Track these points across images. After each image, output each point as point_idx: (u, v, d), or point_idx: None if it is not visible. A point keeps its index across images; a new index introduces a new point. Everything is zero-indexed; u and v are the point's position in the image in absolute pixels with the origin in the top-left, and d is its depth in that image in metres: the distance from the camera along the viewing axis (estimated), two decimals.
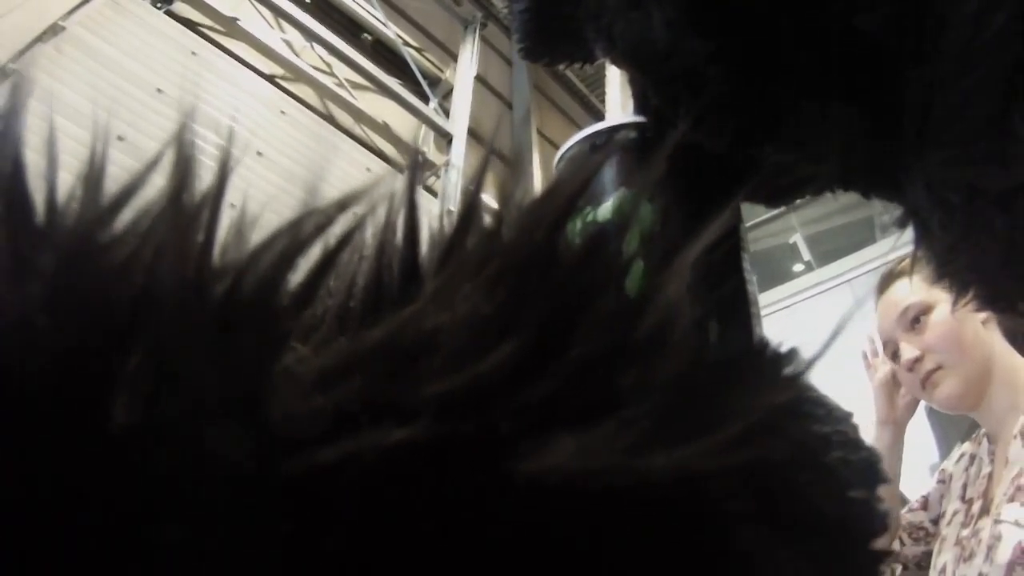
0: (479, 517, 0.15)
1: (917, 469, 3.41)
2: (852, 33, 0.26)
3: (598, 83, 5.44)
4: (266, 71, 3.64)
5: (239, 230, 0.20)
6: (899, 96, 0.27)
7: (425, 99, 4.58)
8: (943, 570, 1.07)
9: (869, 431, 1.35)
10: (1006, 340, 1.08)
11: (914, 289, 1.13)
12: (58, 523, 0.13)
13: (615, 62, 0.33)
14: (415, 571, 0.14)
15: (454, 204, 4.09)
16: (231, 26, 3.53)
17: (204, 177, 0.21)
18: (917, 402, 1.29)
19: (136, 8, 3.04)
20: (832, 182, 0.33)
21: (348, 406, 0.15)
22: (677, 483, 0.15)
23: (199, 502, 0.14)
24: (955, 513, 1.13)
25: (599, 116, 5.26)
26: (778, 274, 5.89)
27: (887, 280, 1.22)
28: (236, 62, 3.41)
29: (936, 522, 1.21)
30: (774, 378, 0.21)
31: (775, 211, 5.16)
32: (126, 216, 0.20)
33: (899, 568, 1.27)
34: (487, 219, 0.22)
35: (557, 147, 0.40)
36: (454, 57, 5.03)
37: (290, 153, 3.35)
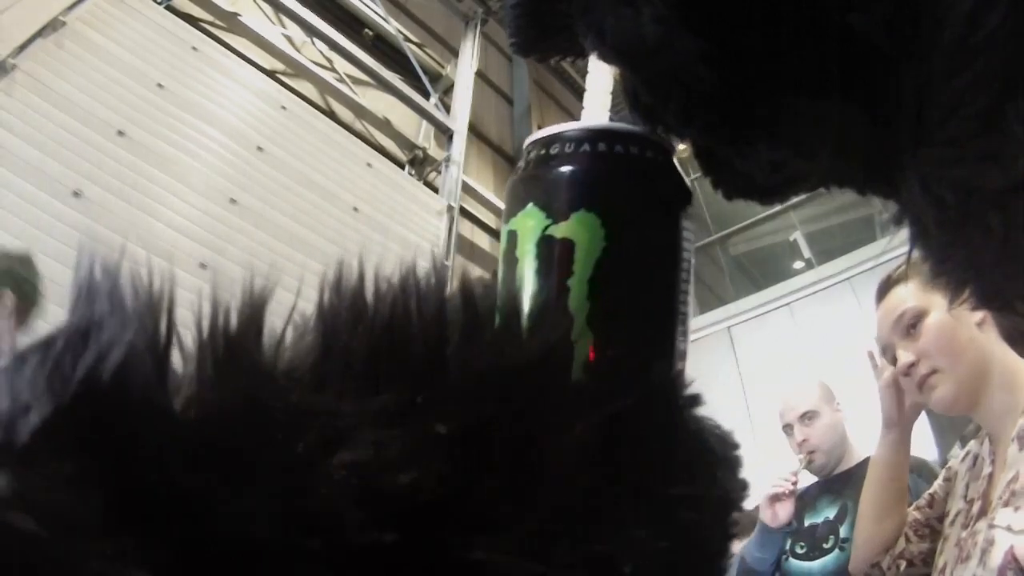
0: None
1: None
2: (846, 31, 0.26)
3: None
4: (267, 66, 3.64)
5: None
6: (893, 94, 0.27)
7: (426, 95, 4.58)
8: (943, 570, 1.07)
9: (875, 432, 1.35)
10: (1004, 342, 1.08)
11: (910, 295, 1.14)
12: None
13: (605, 59, 0.33)
14: None
15: (454, 200, 4.09)
16: (232, 21, 3.53)
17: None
18: (923, 404, 1.29)
19: (137, 3, 3.04)
20: (826, 179, 0.33)
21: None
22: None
23: None
24: (958, 513, 1.13)
25: None
26: (778, 271, 5.90)
27: (886, 286, 1.22)
28: (237, 57, 3.41)
29: (941, 519, 1.22)
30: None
31: (775, 208, 5.17)
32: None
33: (904, 564, 1.27)
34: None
35: None
36: (455, 53, 5.03)
37: (290, 148, 3.35)
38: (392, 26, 4.57)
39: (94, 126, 2.64)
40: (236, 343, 0.20)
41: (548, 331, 0.24)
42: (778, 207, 4.68)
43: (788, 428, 2.14)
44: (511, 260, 0.33)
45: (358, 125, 4.08)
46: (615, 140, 0.33)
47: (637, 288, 0.32)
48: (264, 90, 3.42)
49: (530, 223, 0.32)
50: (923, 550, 1.26)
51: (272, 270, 0.23)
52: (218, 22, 3.53)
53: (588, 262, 0.31)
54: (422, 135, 4.46)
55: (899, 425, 1.31)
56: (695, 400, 0.28)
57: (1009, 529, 0.90)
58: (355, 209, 3.48)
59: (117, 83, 2.79)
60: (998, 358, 1.10)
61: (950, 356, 1.11)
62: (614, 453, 0.22)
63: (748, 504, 0.33)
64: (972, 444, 1.23)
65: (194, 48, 3.18)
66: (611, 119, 0.40)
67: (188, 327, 0.21)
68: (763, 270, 6.27)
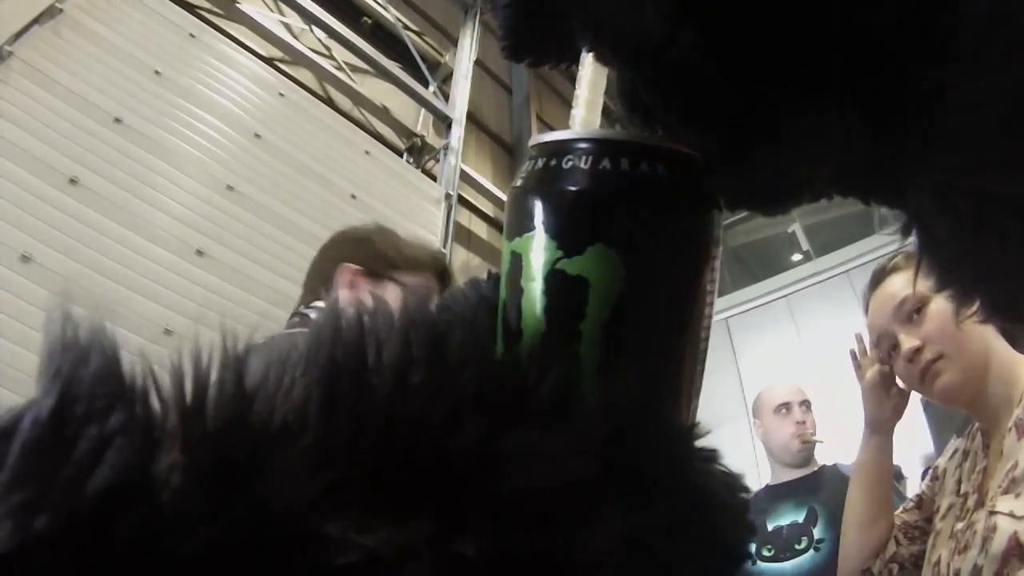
0: None
1: (912, 461, 3.42)
2: (854, 30, 0.24)
3: None
4: (264, 54, 3.62)
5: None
6: (904, 97, 0.25)
7: (424, 83, 4.57)
8: (937, 563, 1.07)
9: (857, 433, 1.35)
10: (1003, 338, 1.08)
11: (909, 283, 1.13)
12: None
13: (602, 57, 0.31)
14: None
15: (452, 188, 4.08)
16: (230, 9, 3.51)
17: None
18: (906, 404, 1.29)
19: None
20: (830, 187, 0.31)
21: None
22: None
23: None
24: (950, 507, 1.13)
25: None
26: (776, 263, 5.90)
27: (879, 276, 1.21)
28: (234, 45, 3.38)
29: (931, 520, 1.22)
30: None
31: None
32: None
33: (896, 567, 1.27)
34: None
35: None
36: (454, 41, 5.01)
37: (289, 136, 3.34)
38: (391, 14, 4.55)
39: (91, 113, 2.62)
40: (227, 459, 0.18)
41: (559, 401, 0.23)
42: None
43: (786, 405, 2.16)
44: (516, 286, 0.29)
45: (356, 113, 4.06)
46: (639, 157, 0.28)
47: (657, 334, 0.28)
48: (262, 78, 3.40)
49: (538, 250, 0.28)
50: (914, 552, 1.26)
51: (251, 327, 0.21)
52: (216, 9, 3.50)
53: (604, 305, 0.27)
54: (420, 123, 4.44)
55: (883, 427, 1.31)
56: (710, 455, 0.27)
57: (1012, 515, 0.90)
58: (353, 197, 3.47)
59: (114, 70, 2.77)
60: (997, 350, 1.10)
61: (956, 343, 1.10)
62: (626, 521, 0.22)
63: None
64: (959, 441, 1.24)
65: (192, 35, 3.16)
66: (615, 128, 0.35)
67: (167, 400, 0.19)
68: (761, 262, 6.27)
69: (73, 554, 0.15)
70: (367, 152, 3.74)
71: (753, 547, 1.91)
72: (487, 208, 4.57)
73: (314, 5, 3.87)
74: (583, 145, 0.29)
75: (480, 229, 4.50)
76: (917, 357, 1.13)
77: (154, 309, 2.46)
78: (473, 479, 0.20)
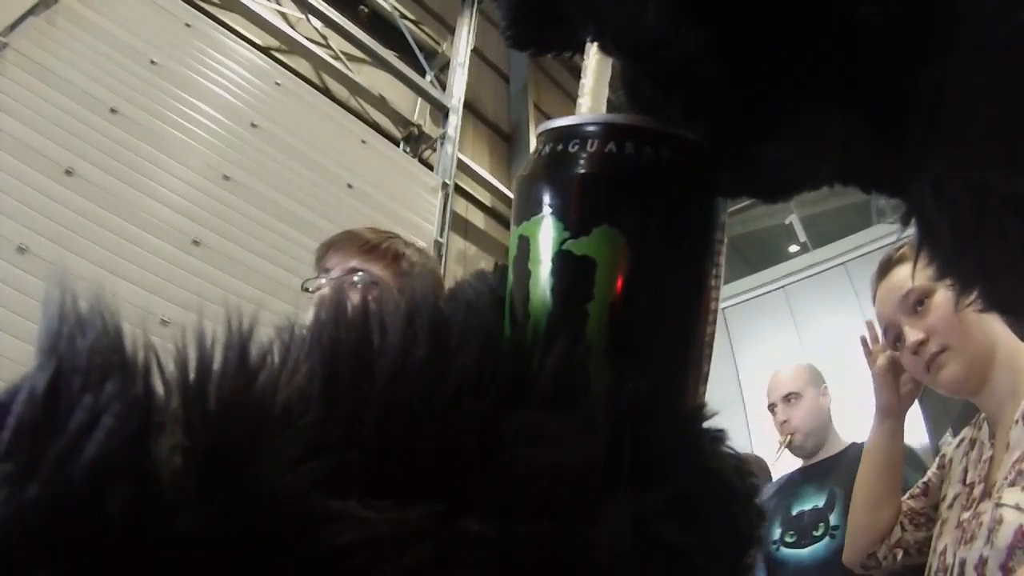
0: None
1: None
2: (856, 25, 0.24)
3: None
4: (261, 43, 3.60)
5: None
6: (906, 93, 0.25)
7: (422, 72, 4.55)
8: (943, 552, 1.08)
9: (869, 419, 1.35)
10: (1007, 326, 1.09)
11: (915, 273, 1.12)
12: None
13: (604, 50, 0.31)
14: None
15: (449, 177, 4.08)
16: None
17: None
18: (918, 390, 1.29)
19: None
20: (831, 178, 0.31)
21: None
22: None
23: None
24: (956, 496, 1.13)
25: None
26: (773, 255, 5.90)
27: (886, 266, 1.21)
28: (231, 34, 3.37)
29: (937, 507, 1.22)
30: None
31: None
32: None
33: (900, 553, 1.28)
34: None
35: None
36: (451, 30, 4.99)
37: (285, 125, 3.33)
38: (388, 3, 4.53)
39: (87, 104, 2.61)
40: (230, 442, 0.18)
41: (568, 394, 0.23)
42: None
43: (772, 407, 2.15)
44: (523, 270, 0.29)
45: (353, 102, 4.05)
46: (644, 141, 0.29)
47: (665, 315, 0.29)
48: (258, 67, 3.39)
49: (546, 233, 0.29)
50: (919, 539, 1.26)
51: (252, 310, 0.21)
52: None
53: (611, 285, 0.27)
54: (417, 112, 4.43)
55: (894, 412, 1.31)
56: (718, 436, 0.27)
57: (1018, 508, 0.90)
58: (349, 186, 3.47)
59: (110, 60, 2.76)
60: (1002, 339, 1.10)
61: (960, 334, 1.10)
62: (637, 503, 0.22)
63: None
64: (967, 430, 1.24)
65: (187, 25, 3.15)
66: (620, 111, 0.34)
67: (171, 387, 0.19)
68: (758, 253, 6.26)
69: (64, 525, 0.15)
70: (364, 141, 3.73)
71: (778, 533, 1.92)
72: (484, 197, 4.56)
73: None
74: (589, 129, 0.30)
75: (477, 218, 4.49)
76: (922, 349, 1.13)
77: (150, 299, 2.46)
78: (475, 460, 0.20)
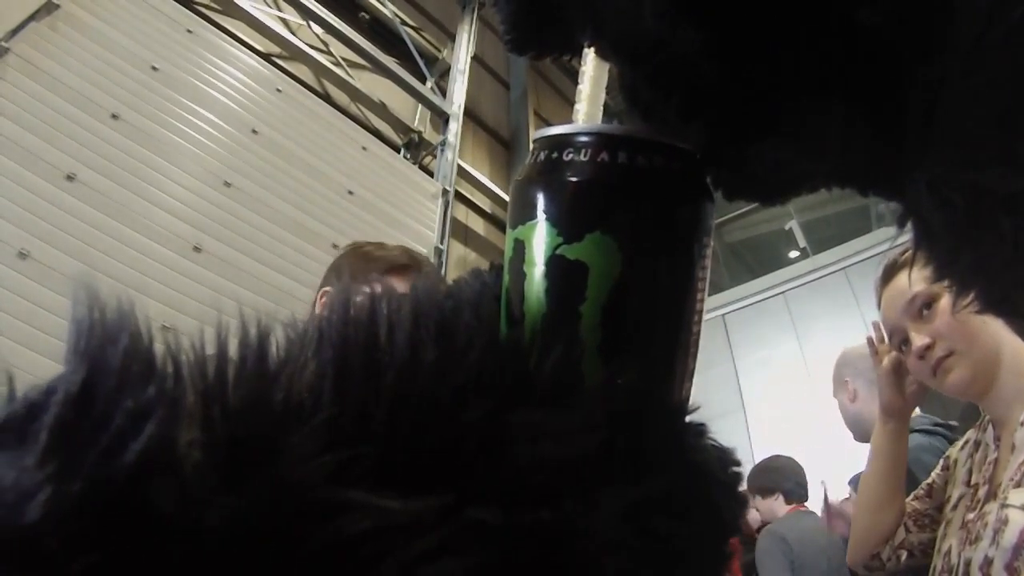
0: None
1: None
2: (853, 26, 0.24)
3: None
4: (262, 49, 3.62)
5: None
6: (902, 94, 0.25)
7: (422, 78, 4.56)
8: (948, 553, 1.07)
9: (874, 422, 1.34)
10: (1011, 329, 1.08)
11: (919, 278, 1.12)
12: None
13: (602, 54, 0.32)
14: None
15: (449, 183, 4.08)
16: (227, 3, 3.50)
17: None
18: (924, 391, 1.28)
19: None
20: (829, 179, 0.32)
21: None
22: None
23: None
24: (960, 497, 1.13)
25: None
26: (773, 260, 5.90)
27: (891, 270, 1.21)
28: (232, 40, 3.38)
29: (941, 509, 1.22)
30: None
31: None
32: None
33: (904, 554, 1.27)
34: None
35: None
36: (451, 37, 5.01)
37: (286, 132, 3.33)
38: (388, 9, 4.54)
39: (88, 109, 2.62)
40: (247, 440, 0.19)
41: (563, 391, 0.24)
42: None
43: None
44: (518, 272, 0.30)
45: (354, 108, 4.06)
46: (637, 150, 0.30)
47: (654, 316, 0.30)
48: (259, 73, 3.40)
49: (540, 237, 0.30)
50: (923, 540, 1.26)
51: (269, 312, 0.22)
52: (213, 4, 3.50)
53: (602, 288, 0.28)
54: (418, 119, 4.44)
55: (899, 413, 1.30)
56: (701, 430, 0.28)
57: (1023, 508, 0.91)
58: (350, 192, 3.47)
59: (111, 66, 2.77)
60: (1008, 342, 1.10)
61: (966, 338, 1.10)
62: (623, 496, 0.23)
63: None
64: (971, 432, 1.23)
65: (189, 31, 3.16)
66: (618, 116, 0.36)
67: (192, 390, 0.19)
68: (758, 258, 6.27)
69: (107, 521, 0.16)
70: (364, 148, 3.74)
71: None
72: (484, 203, 4.57)
73: (312, 0, 3.87)
74: (583, 139, 0.30)
75: (477, 224, 4.50)
76: (928, 354, 1.13)
77: (152, 305, 2.46)
78: (480, 455, 0.21)
